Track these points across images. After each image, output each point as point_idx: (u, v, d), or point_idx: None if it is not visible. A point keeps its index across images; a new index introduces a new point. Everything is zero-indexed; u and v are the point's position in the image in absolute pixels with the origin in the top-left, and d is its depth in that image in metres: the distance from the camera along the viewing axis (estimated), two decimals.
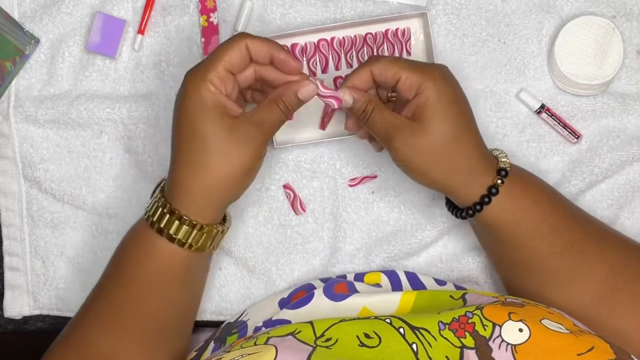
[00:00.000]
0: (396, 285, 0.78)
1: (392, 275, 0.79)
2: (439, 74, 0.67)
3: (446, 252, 0.83)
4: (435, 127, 0.66)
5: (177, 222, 0.67)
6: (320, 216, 0.83)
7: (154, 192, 0.72)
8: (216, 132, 0.65)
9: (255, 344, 0.60)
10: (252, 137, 0.66)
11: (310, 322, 0.63)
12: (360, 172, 0.83)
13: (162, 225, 0.67)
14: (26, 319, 0.87)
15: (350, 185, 0.83)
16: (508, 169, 0.69)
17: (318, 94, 0.68)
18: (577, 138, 0.81)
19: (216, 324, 0.83)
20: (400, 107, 0.71)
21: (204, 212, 0.67)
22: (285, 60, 0.67)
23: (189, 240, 0.67)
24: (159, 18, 0.83)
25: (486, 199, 0.68)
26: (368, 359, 0.59)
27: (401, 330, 0.61)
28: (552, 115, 0.81)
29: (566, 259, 0.70)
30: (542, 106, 0.81)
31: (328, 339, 0.61)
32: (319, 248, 0.83)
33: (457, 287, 0.79)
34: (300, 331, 0.61)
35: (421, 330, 0.61)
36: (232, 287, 0.84)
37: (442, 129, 0.67)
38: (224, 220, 0.72)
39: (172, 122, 0.68)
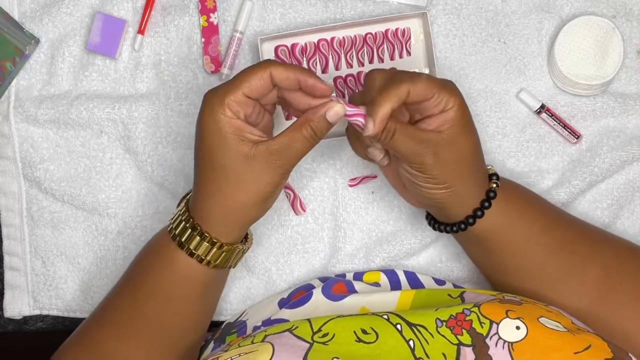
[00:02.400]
0: (395, 285, 0.79)
1: (391, 275, 0.79)
2: (458, 90, 0.66)
3: (446, 251, 0.83)
4: (464, 138, 0.66)
5: (198, 238, 0.67)
6: (320, 216, 0.83)
7: (179, 203, 0.72)
8: (232, 161, 0.64)
9: (252, 342, 0.60)
10: (272, 167, 0.64)
11: (308, 320, 0.63)
12: (360, 172, 0.83)
13: (183, 240, 0.67)
14: (26, 319, 0.87)
15: (350, 185, 0.83)
16: (498, 174, 0.71)
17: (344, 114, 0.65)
18: (577, 138, 0.81)
19: (216, 324, 0.83)
20: (407, 119, 0.70)
21: (224, 231, 0.67)
22: (315, 86, 0.64)
23: (208, 257, 0.68)
24: (159, 18, 0.83)
25: (486, 204, 0.68)
26: (365, 354, 0.59)
27: (398, 326, 0.61)
28: (552, 115, 0.81)
29: (560, 261, 0.70)
30: (542, 106, 0.81)
31: (325, 334, 0.61)
32: (319, 248, 0.83)
33: (456, 287, 0.79)
34: (297, 327, 0.61)
35: (418, 327, 0.61)
36: (232, 287, 0.84)
37: (470, 140, 0.67)
38: (245, 238, 0.72)
39: (195, 142, 0.67)
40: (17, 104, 0.83)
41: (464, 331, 0.59)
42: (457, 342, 0.59)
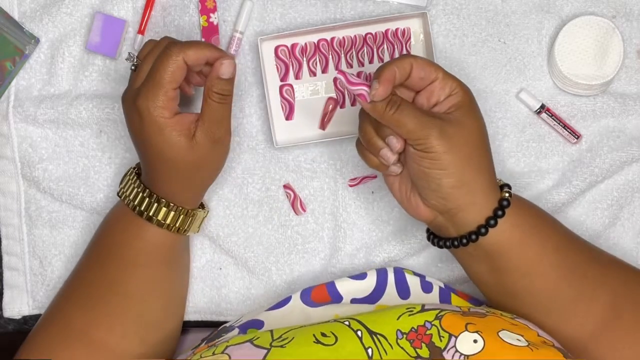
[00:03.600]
0: (381, 281, 0.77)
1: (380, 274, 0.78)
2: (463, 82, 0.68)
3: (446, 252, 0.82)
4: (471, 123, 0.66)
5: (165, 209, 0.72)
6: (320, 216, 0.83)
7: (125, 180, 0.76)
8: (181, 155, 0.69)
9: (213, 354, 0.61)
10: (212, 143, 0.70)
11: (271, 331, 0.64)
12: (360, 172, 0.83)
13: (151, 214, 0.72)
14: (26, 319, 0.87)
15: (350, 185, 0.83)
16: (509, 185, 0.69)
17: (348, 81, 0.65)
18: (577, 138, 0.81)
19: (216, 324, 0.83)
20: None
21: (187, 201, 0.74)
22: (219, 58, 0.70)
23: (177, 224, 0.73)
24: (159, 18, 0.83)
25: (499, 212, 0.66)
26: (322, 357, 0.59)
27: (359, 332, 0.61)
28: (552, 115, 0.81)
29: (570, 284, 0.68)
30: (542, 106, 0.81)
31: (284, 339, 0.61)
32: (319, 248, 0.83)
33: (446, 287, 0.78)
34: (258, 337, 0.62)
35: (378, 336, 0.61)
36: (232, 287, 0.84)
37: (478, 125, 0.67)
38: (202, 206, 0.79)
39: (132, 139, 0.72)
40: (16, 103, 0.83)
41: (423, 345, 0.60)
42: (415, 355, 0.59)
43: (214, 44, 0.80)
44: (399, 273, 0.78)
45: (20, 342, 0.76)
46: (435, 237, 0.72)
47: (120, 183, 0.76)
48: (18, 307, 0.85)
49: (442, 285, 0.79)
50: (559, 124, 0.81)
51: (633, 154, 0.81)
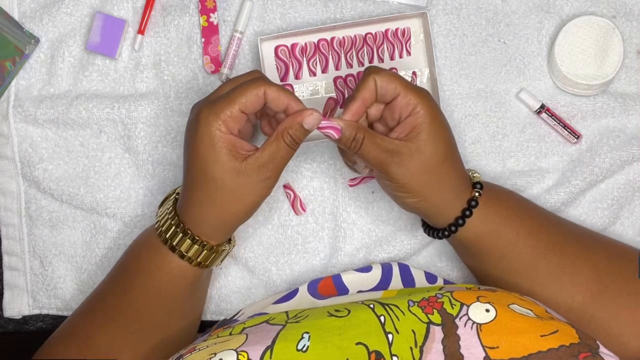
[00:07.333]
0: (387, 273, 0.79)
1: (385, 267, 0.80)
2: (430, 97, 0.68)
3: (446, 251, 0.83)
4: (431, 147, 0.67)
5: (189, 242, 0.70)
6: (320, 216, 0.83)
7: (162, 203, 0.74)
8: (225, 176, 0.67)
9: (230, 334, 0.62)
10: (262, 179, 0.68)
11: (286, 312, 0.65)
12: None
13: (174, 243, 0.70)
14: (26, 319, 0.87)
15: (351, 185, 0.83)
16: (482, 182, 0.71)
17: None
18: (577, 138, 0.81)
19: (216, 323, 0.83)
20: (385, 131, 0.71)
21: (214, 235, 0.71)
22: (303, 113, 0.68)
23: (199, 259, 0.71)
24: (159, 18, 0.83)
25: (467, 212, 0.70)
26: (335, 326, 0.60)
27: (371, 305, 0.63)
28: (552, 115, 0.81)
29: (550, 261, 0.70)
30: (542, 106, 0.81)
31: (298, 317, 0.63)
32: (319, 248, 0.83)
33: (446, 283, 0.80)
34: (274, 318, 0.64)
35: (390, 306, 0.62)
36: (232, 287, 0.84)
37: (438, 149, 0.68)
38: (229, 240, 0.75)
39: (184, 149, 0.70)
40: (16, 103, 0.83)
41: (434, 311, 0.61)
42: (427, 320, 0.60)
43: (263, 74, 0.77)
44: (404, 266, 0.80)
45: (21, 342, 0.76)
46: (424, 224, 0.77)
47: (160, 205, 0.75)
48: (18, 307, 0.85)
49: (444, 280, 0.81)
50: (559, 123, 0.81)
51: (633, 153, 0.81)
